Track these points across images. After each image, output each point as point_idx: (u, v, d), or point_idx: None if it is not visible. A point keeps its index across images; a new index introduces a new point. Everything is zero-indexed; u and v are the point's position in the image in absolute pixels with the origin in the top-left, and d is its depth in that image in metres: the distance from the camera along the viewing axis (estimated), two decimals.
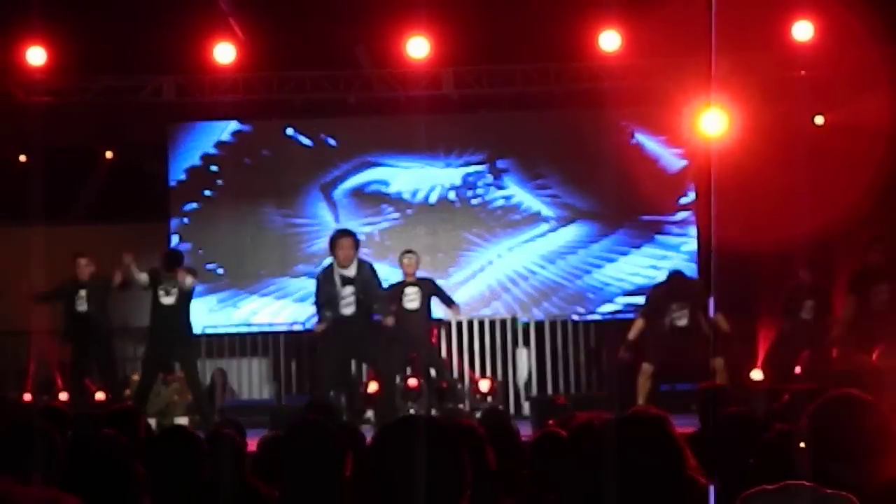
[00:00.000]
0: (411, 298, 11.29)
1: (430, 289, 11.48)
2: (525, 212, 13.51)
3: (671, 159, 13.34)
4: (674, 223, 13.22)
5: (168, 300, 10.87)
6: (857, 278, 11.45)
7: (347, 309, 10.48)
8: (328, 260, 10.82)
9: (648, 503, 3.06)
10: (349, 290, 10.47)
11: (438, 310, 11.83)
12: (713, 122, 13.19)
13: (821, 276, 11.94)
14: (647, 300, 11.67)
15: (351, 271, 10.50)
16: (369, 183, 13.56)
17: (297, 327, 13.37)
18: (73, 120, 12.58)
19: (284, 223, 13.54)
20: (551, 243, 13.46)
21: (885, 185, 11.62)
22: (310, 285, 13.33)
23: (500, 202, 13.53)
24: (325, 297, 10.57)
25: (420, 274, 11.57)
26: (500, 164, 13.52)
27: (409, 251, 11.61)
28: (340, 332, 10.49)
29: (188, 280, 10.92)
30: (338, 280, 10.48)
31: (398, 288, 11.41)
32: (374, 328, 10.77)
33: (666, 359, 11.07)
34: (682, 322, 11.17)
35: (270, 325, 13.47)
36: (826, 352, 11.75)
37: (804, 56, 11.65)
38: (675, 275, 11.48)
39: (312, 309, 13.31)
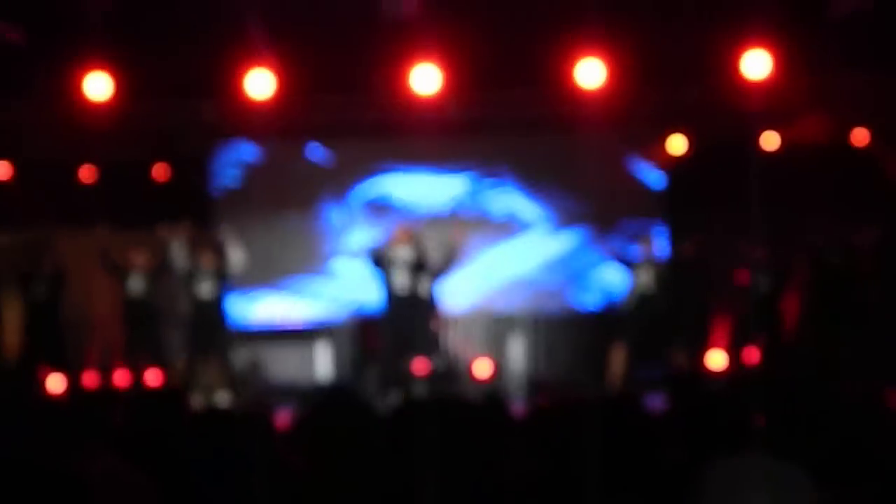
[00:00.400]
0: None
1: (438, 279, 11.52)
2: (523, 219, 13.52)
3: (651, 174, 13.37)
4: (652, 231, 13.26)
5: (207, 293, 10.82)
6: (814, 245, 11.52)
7: (399, 288, 9.98)
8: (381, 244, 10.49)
9: (625, 474, 3.07)
10: (401, 271, 10.01)
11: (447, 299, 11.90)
12: (678, 142, 13.35)
13: (775, 257, 11.94)
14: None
15: (405, 254, 10.05)
16: (380, 193, 13.57)
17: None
18: (129, 138, 12.63)
19: (307, 230, 13.54)
20: (550, 249, 13.46)
21: (835, 200, 11.66)
22: (324, 285, 13.43)
23: (501, 211, 13.55)
24: (375, 266, 10.04)
25: None
26: (500, 176, 13.54)
27: None
28: (392, 311, 9.98)
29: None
30: (390, 260, 10.02)
31: None
32: (428, 314, 10.37)
33: (637, 339, 10.99)
34: (650, 291, 11.04)
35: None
36: (782, 334, 11.73)
37: (760, 83, 11.66)
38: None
39: (331, 304, 13.41)
